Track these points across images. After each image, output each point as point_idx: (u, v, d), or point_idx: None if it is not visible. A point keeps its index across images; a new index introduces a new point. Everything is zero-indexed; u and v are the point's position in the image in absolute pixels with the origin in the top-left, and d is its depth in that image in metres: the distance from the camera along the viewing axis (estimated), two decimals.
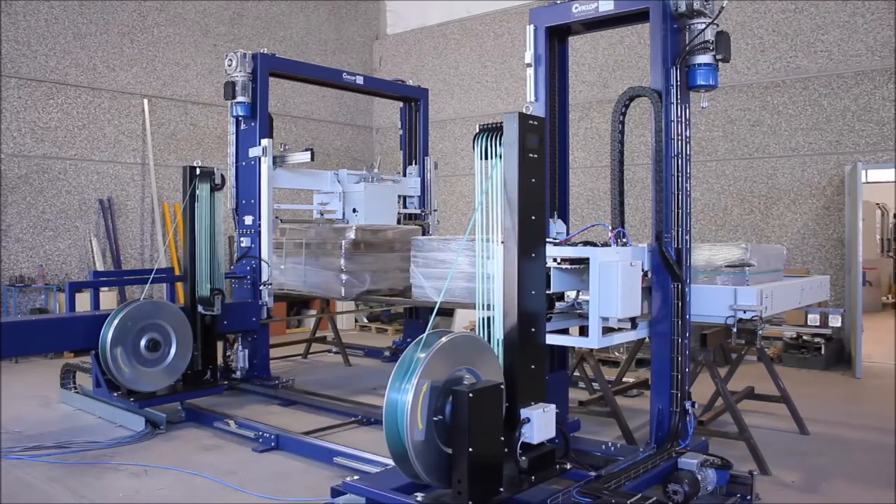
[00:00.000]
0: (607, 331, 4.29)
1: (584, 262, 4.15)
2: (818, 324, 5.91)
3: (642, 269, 4.37)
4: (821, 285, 6.12)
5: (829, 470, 5.12)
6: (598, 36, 10.93)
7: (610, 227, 4.60)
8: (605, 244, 4.39)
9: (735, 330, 4.73)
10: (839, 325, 6.11)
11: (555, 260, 4.17)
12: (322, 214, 8.26)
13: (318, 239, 7.72)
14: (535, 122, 3.81)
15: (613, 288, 4.01)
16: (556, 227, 4.98)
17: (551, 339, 4.17)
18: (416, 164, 9.16)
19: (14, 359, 8.82)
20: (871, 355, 9.06)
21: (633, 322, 4.37)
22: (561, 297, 4.47)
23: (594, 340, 4.10)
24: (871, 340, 9.31)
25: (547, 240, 4.05)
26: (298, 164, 7.64)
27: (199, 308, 6.54)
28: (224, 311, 6.74)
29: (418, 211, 9.05)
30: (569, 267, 4.20)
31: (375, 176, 8.37)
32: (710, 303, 4.77)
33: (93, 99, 10.53)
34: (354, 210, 8.18)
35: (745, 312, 4.68)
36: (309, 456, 5.26)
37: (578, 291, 4.40)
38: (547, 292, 4.04)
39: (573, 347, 5.77)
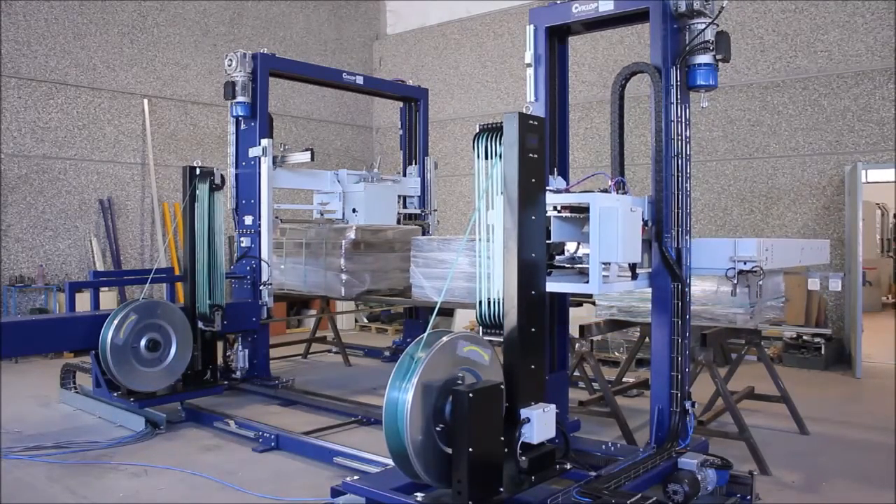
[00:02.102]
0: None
1: (584, 211, 4.10)
2: (818, 288, 5.86)
3: (642, 219, 4.34)
4: (820, 248, 6.13)
5: (829, 470, 5.12)
6: (598, 36, 10.94)
7: (610, 177, 4.57)
8: (605, 191, 4.35)
9: (735, 282, 4.70)
10: (839, 289, 6.08)
11: (555, 208, 4.14)
12: (322, 214, 8.26)
13: (318, 239, 7.72)
14: (535, 122, 3.80)
15: (613, 232, 3.97)
16: (556, 182, 4.98)
17: (551, 287, 4.15)
18: (416, 164, 9.16)
19: (14, 359, 8.82)
20: (871, 355, 9.06)
21: (634, 272, 4.35)
22: (561, 252, 4.44)
23: (595, 286, 4.06)
24: (871, 340, 9.30)
25: (547, 188, 4.02)
26: (298, 164, 7.64)
27: (200, 324, 6.55)
28: (224, 311, 6.74)
29: (418, 211, 9.05)
30: (569, 215, 4.16)
31: (375, 176, 8.37)
32: (711, 255, 4.75)
33: (93, 99, 10.53)
34: (354, 210, 8.18)
35: (745, 263, 4.66)
36: (309, 456, 5.26)
37: (578, 245, 4.37)
38: (547, 242, 4.02)
39: (573, 347, 5.77)
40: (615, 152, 4.71)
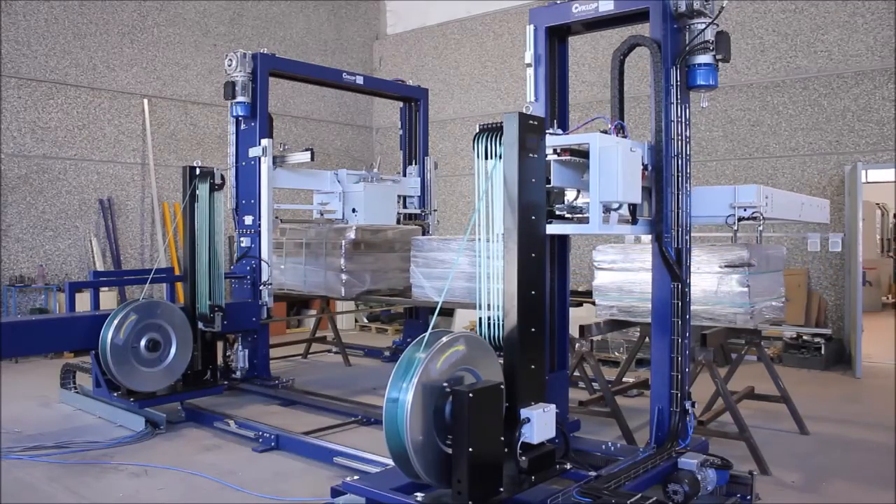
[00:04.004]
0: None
1: (584, 156, 4.10)
2: (818, 249, 5.81)
3: (642, 164, 4.33)
4: (820, 206, 6.14)
5: (829, 470, 5.12)
6: (598, 36, 10.93)
7: (609, 120, 4.56)
8: (605, 132, 4.34)
9: (736, 229, 4.66)
10: (839, 249, 6.06)
11: (555, 151, 4.13)
12: (322, 214, 8.26)
13: (318, 239, 7.72)
14: (535, 122, 3.81)
15: (614, 171, 3.97)
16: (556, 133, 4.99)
17: (551, 229, 4.18)
18: (416, 164, 9.16)
19: (14, 359, 8.82)
20: (871, 355, 9.06)
21: (634, 216, 4.34)
22: (562, 203, 4.44)
23: (595, 226, 4.08)
24: (871, 340, 9.30)
25: (547, 132, 4.00)
26: (298, 164, 7.64)
27: (200, 324, 6.55)
28: (224, 312, 6.74)
29: (418, 211, 9.05)
30: (569, 159, 4.16)
31: (375, 176, 8.37)
32: (711, 203, 4.72)
33: (93, 99, 10.53)
34: (354, 210, 8.17)
35: (745, 210, 4.63)
36: (309, 456, 5.26)
37: (578, 193, 4.35)
38: (547, 187, 4.02)
39: (573, 347, 5.77)
40: (615, 99, 4.71)
